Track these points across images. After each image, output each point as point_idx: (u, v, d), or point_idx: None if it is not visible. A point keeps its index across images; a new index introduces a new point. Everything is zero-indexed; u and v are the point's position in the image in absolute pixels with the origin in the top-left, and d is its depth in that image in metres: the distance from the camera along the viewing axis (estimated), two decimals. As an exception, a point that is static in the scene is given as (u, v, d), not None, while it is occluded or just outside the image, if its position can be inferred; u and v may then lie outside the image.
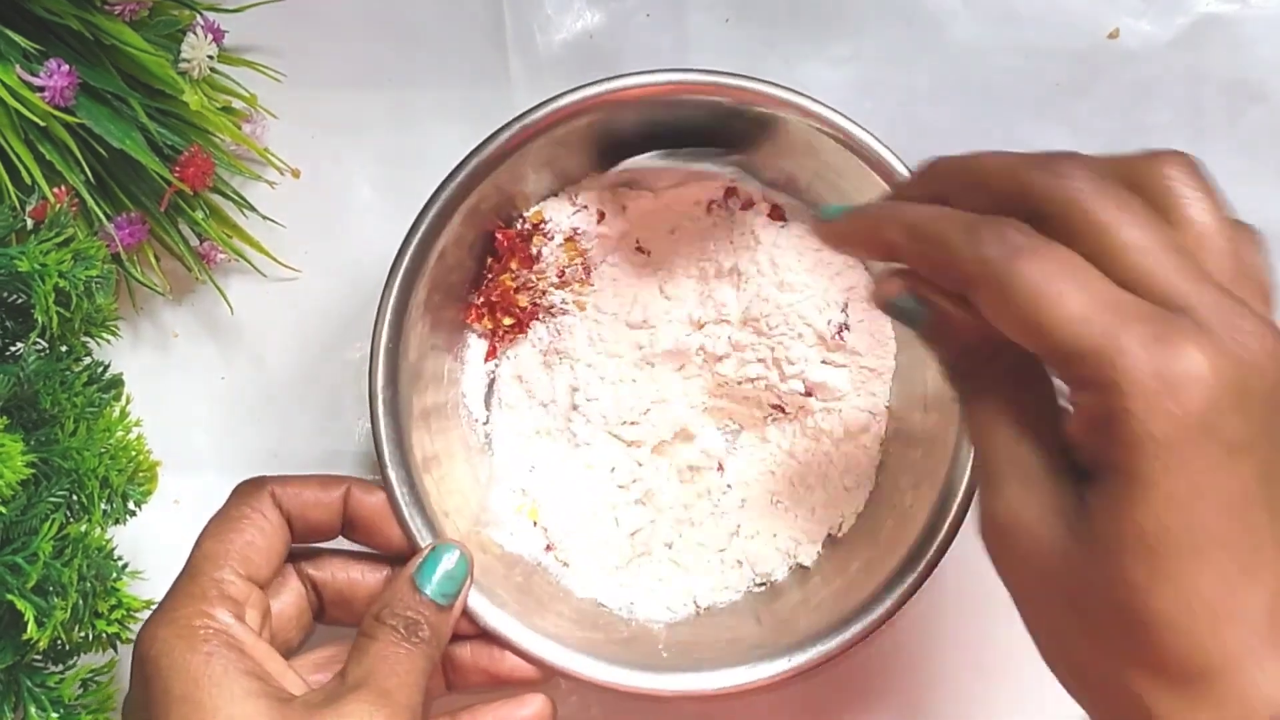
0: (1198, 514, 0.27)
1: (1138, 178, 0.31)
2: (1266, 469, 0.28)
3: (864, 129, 0.45)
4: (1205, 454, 0.27)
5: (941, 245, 0.31)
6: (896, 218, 0.33)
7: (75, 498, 0.41)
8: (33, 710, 0.41)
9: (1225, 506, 0.28)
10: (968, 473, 0.44)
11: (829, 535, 0.49)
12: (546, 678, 0.45)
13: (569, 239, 0.49)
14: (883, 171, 0.45)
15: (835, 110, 0.45)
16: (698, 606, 0.49)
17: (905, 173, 0.45)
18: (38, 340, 0.42)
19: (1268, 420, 0.28)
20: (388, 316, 0.45)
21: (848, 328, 0.49)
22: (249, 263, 0.52)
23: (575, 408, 0.49)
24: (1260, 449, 0.28)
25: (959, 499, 0.44)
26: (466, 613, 0.44)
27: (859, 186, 0.46)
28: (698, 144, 0.48)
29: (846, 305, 0.49)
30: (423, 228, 0.45)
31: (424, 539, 0.44)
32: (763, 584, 0.49)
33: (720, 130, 0.47)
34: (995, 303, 0.29)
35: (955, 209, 0.32)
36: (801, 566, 0.49)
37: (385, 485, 0.44)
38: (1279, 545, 0.28)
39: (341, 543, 0.45)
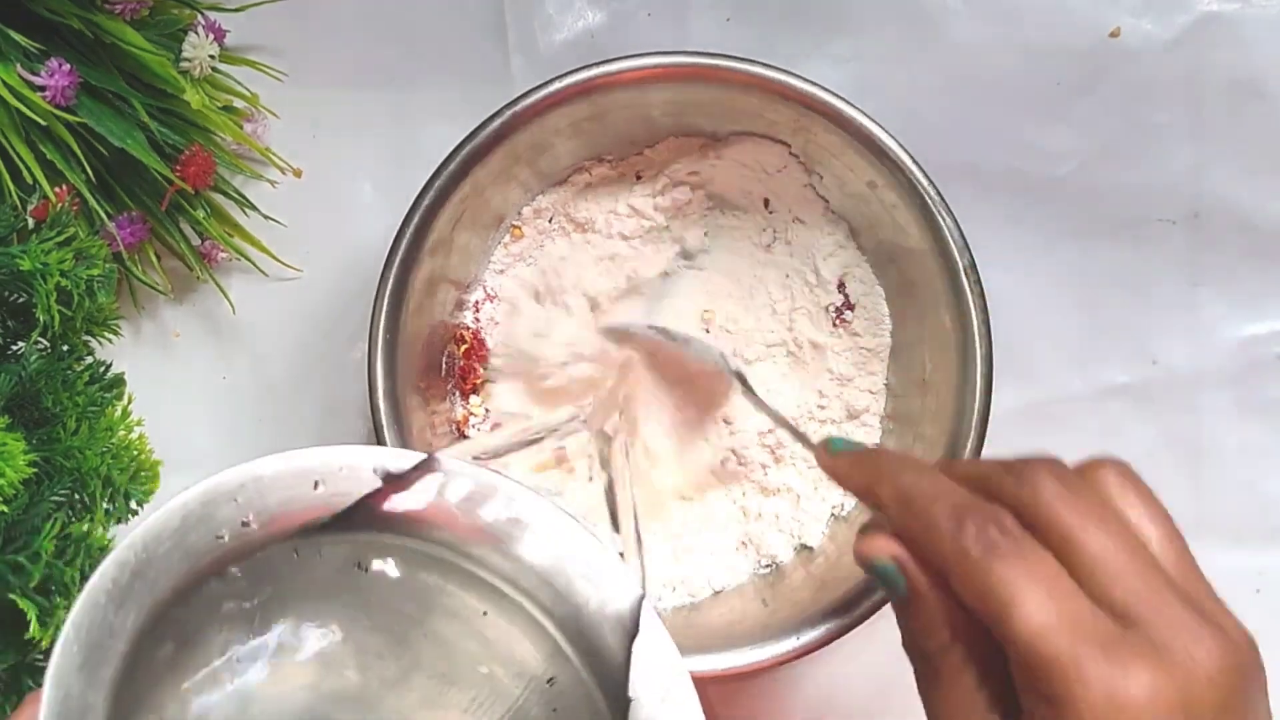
0: None
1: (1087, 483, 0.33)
2: None
3: (854, 105, 0.46)
4: None
5: (927, 525, 0.32)
6: (893, 479, 0.34)
7: (77, 497, 0.41)
8: (34, 709, 0.41)
9: None
10: (968, 449, 0.45)
11: (832, 514, 0.49)
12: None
13: None
14: (875, 150, 0.45)
15: (826, 89, 0.45)
16: (711, 588, 0.49)
17: (898, 150, 0.45)
18: (39, 339, 0.42)
19: None
20: (384, 308, 0.45)
21: (849, 307, 0.49)
22: (250, 262, 0.52)
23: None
24: None
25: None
26: None
27: (850, 165, 0.47)
28: (691, 134, 0.49)
29: (843, 283, 0.49)
30: (417, 216, 0.45)
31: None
32: (768, 565, 0.49)
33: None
34: (969, 595, 0.31)
35: (952, 484, 0.33)
36: (805, 547, 0.49)
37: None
38: None
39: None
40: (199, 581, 0.34)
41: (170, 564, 0.33)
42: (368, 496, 0.35)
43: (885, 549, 0.33)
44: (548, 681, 0.35)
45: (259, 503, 0.35)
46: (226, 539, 0.34)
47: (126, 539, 0.32)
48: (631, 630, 0.35)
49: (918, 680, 0.34)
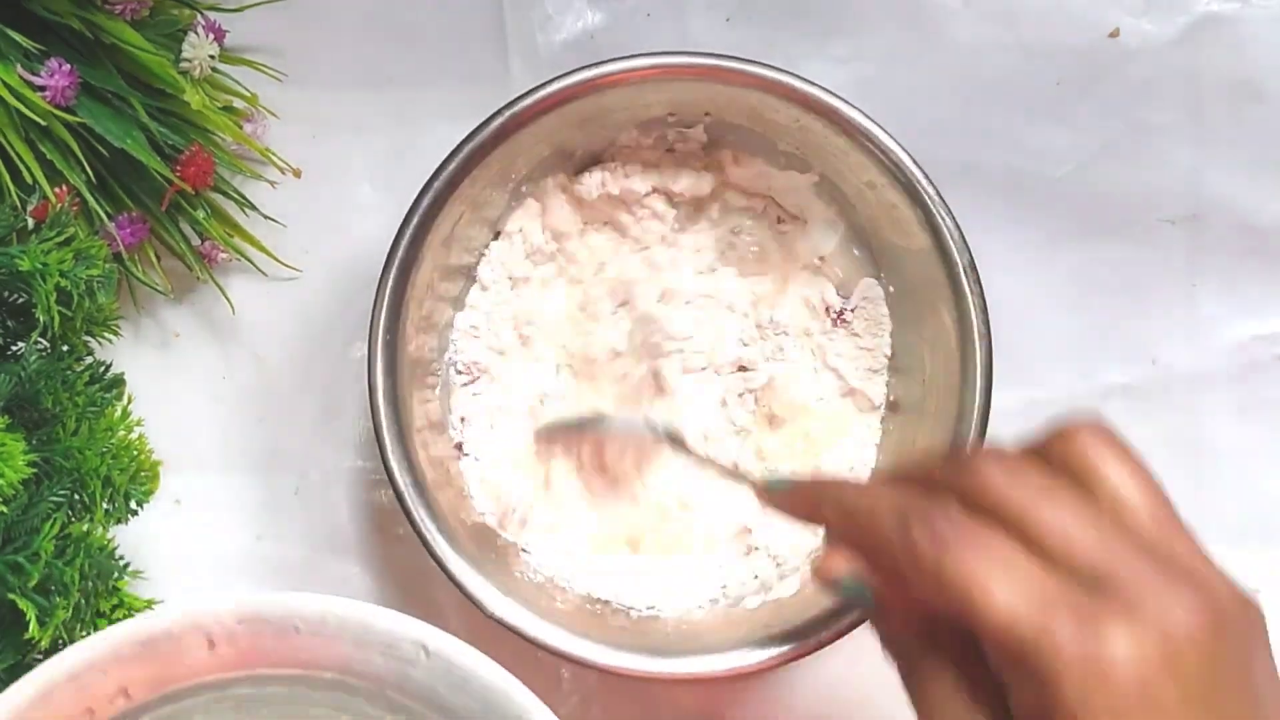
0: None
1: (1053, 452, 0.32)
2: (1207, 712, 0.29)
3: (853, 105, 0.46)
4: None
5: (873, 534, 0.32)
6: (833, 498, 0.34)
7: (77, 497, 0.41)
8: (34, 709, 0.41)
9: None
10: (968, 445, 0.45)
11: None
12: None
13: None
14: (875, 149, 0.46)
15: (825, 89, 0.45)
16: (725, 593, 0.49)
17: (898, 150, 0.45)
18: (39, 340, 0.42)
19: (1204, 684, 0.29)
20: (384, 307, 0.45)
21: (849, 307, 0.50)
22: (250, 262, 0.52)
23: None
24: (1198, 701, 0.28)
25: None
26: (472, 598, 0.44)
27: (850, 164, 0.47)
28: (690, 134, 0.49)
29: (842, 284, 0.50)
30: (417, 216, 0.45)
31: (430, 530, 0.44)
32: (780, 565, 0.49)
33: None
34: (929, 594, 0.30)
35: (891, 490, 0.33)
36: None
37: (389, 476, 0.44)
38: None
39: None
40: None
41: None
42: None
43: (842, 566, 0.33)
44: None
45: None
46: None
47: None
48: None
49: (902, 680, 0.33)
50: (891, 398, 0.50)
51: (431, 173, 0.45)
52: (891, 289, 0.50)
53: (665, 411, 0.50)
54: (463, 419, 0.50)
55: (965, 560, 0.30)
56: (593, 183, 0.49)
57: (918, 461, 0.35)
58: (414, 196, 0.45)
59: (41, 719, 0.33)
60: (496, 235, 0.50)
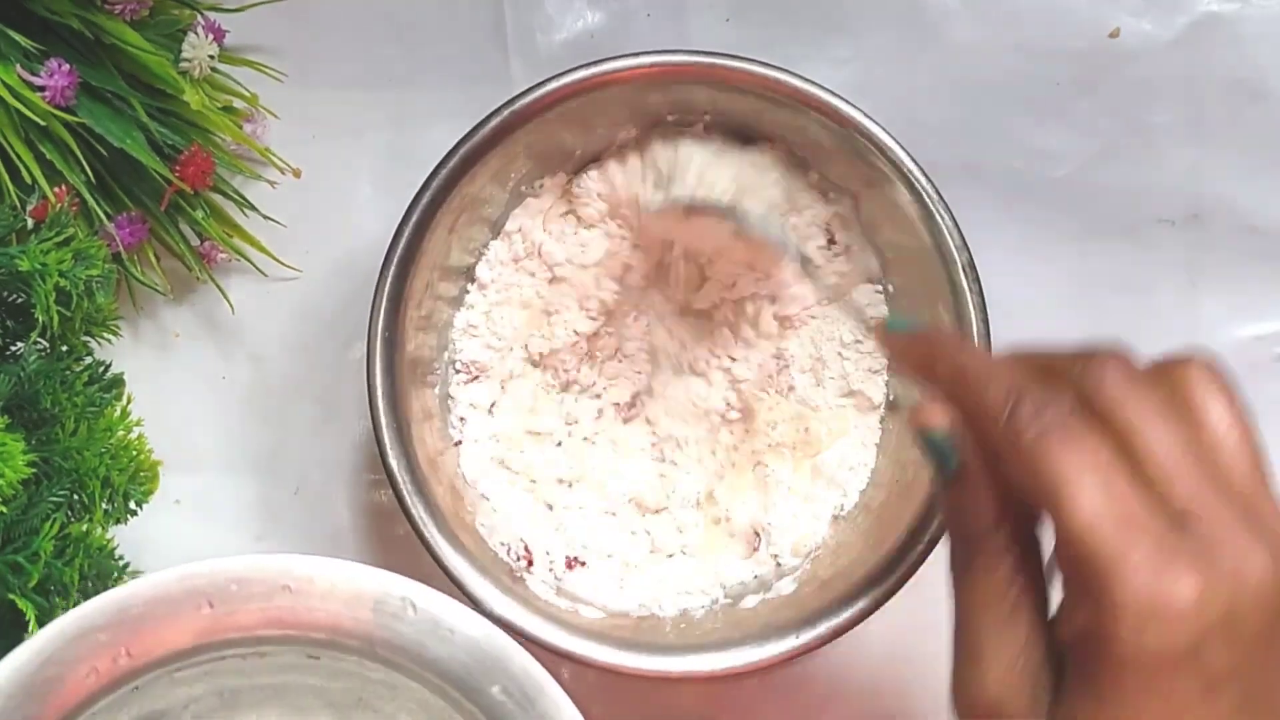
0: None
1: (1162, 378, 0.32)
2: (1246, 699, 0.29)
3: (853, 104, 0.46)
4: (1184, 686, 0.28)
5: (981, 404, 0.31)
6: (950, 359, 0.33)
7: (76, 497, 0.41)
8: (34, 710, 0.41)
9: None
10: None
11: (833, 515, 0.50)
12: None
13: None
14: (874, 149, 0.45)
15: (825, 88, 0.45)
16: (724, 592, 0.49)
17: (894, 145, 0.45)
18: (38, 340, 0.42)
19: (1256, 648, 0.28)
20: (383, 306, 0.45)
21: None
22: (250, 262, 0.52)
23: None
24: (1244, 679, 0.28)
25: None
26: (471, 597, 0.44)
27: (850, 164, 0.47)
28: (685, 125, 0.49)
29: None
30: (416, 215, 0.45)
31: (430, 530, 0.44)
32: (779, 564, 0.49)
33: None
34: (1019, 478, 0.30)
35: (1010, 365, 0.32)
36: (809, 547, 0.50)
37: (388, 476, 0.44)
38: None
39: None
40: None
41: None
42: None
43: (938, 419, 0.33)
44: None
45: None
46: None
47: None
48: None
49: (953, 562, 0.33)
50: (891, 397, 0.50)
51: (430, 171, 0.45)
52: (891, 288, 0.50)
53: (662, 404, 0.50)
54: (462, 419, 0.50)
55: (1065, 454, 0.29)
56: (591, 182, 0.49)
57: (1043, 348, 0.33)
58: (413, 196, 0.45)
59: (44, 679, 0.33)
60: (496, 235, 0.50)
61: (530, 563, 0.48)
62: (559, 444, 0.50)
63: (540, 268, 0.50)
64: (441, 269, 0.48)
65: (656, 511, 0.50)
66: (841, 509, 0.50)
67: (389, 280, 0.45)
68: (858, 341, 0.50)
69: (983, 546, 0.32)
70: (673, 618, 0.48)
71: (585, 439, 0.50)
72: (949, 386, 0.33)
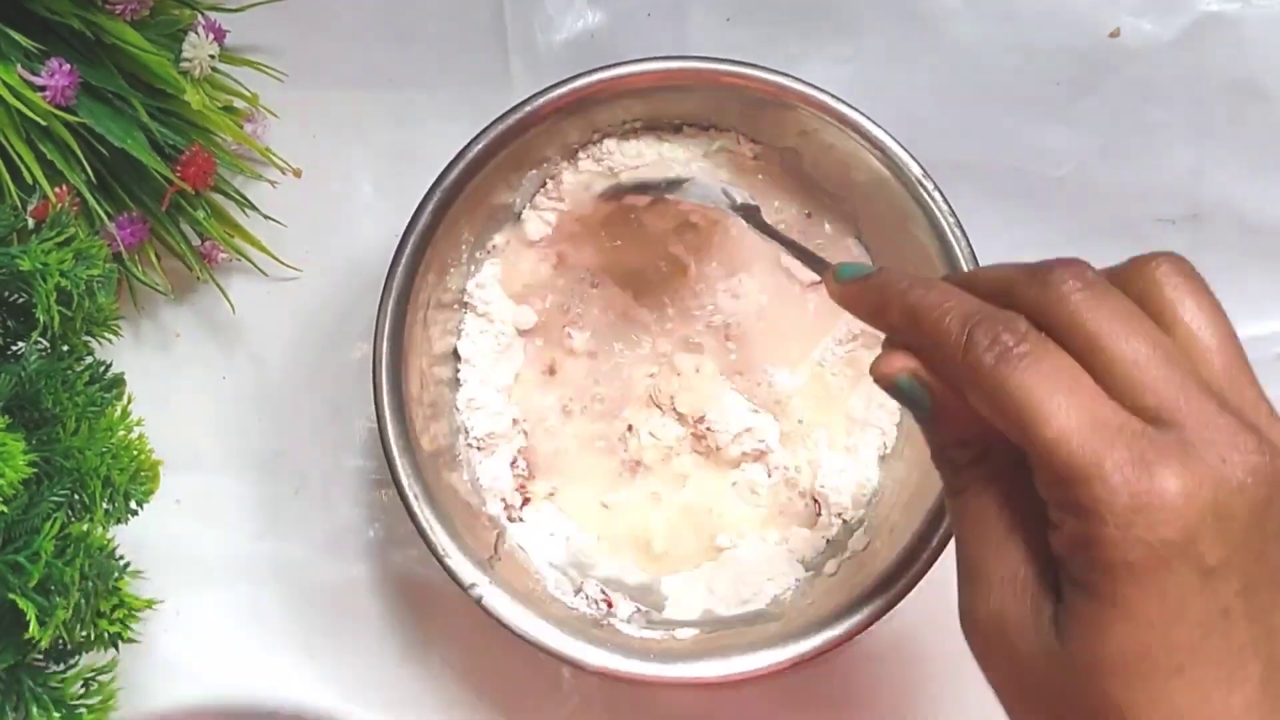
0: (1176, 635, 0.28)
1: (1131, 283, 0.31)
2: (1247, 583, 0.28)
3: (854, 107, 0.46)
4: (1181, 579, 0.28)
5: (937, 338, 0.31)
6: (901, 299, 0.33)
7: (77, 497, 0.41)
8: (34, 710, 0.41)
9: (1204, 625, 0.28)
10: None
11: (879, 456, 0.50)
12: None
13: None
14: (875, 150, 0.46)
15: (826, 91, 0.46)
16: (804, 566, 0.49)
17: (895, 146, 0.45)
18: (39, 339, 0.42)
19: (1249, 537, 0.28)
20: (390, 308, 0.45)
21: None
22: (250, 262, 0.52)
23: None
24: (1240, 566, 0.28)
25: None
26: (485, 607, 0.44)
27: (851, 164, 0.47)
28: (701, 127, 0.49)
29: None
30: (424, 216, 0.45)
31: (437, 534, 0.44)
32: (845, 520, 0.49)
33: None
34: (986, 405, 0.30)
35: (962, 295, 0.32)
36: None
37: (394, 478, 0.44)
38: (1260, 653, 0.29)
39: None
40: None
41: None
42: None
43: (901, 364, 0.32)
44: None
45: None
46: None
47: None
48: None
49: (946, 493, 0.33)
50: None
51: (438, 175, 0.45)
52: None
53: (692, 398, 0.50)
54: (468, 410, 0.50)
55: (1026, 375, 0.29)
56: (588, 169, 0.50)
57: (996, 269, 0.33)
58: (419, 197, 0.45)
59: None
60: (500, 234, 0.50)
61: (610, 605, 0.48)
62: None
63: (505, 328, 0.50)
64: (448, 270, 0.48)
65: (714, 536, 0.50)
66: (885, 448, 0.50)
67: (396, 280, 0.45)
68: None
69: (969, 477, 0.32)
70: (766, 608, 0.48)
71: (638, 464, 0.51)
72: (905, 328, 0.32)
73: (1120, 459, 0.28)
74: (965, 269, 0.45)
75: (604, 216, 0.50)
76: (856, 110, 0.46)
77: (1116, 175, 0.53)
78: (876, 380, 0.33)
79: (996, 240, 0.48)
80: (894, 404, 0.50)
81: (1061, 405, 0.28)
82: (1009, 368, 0.29)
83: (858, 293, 0.35)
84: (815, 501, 0.50)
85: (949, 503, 0.33)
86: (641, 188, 0.48)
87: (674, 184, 0.47)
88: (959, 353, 0.30)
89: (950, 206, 0.45)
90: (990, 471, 0.32)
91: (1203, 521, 0.27)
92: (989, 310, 0.30)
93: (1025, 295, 0.31)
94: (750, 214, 0.46)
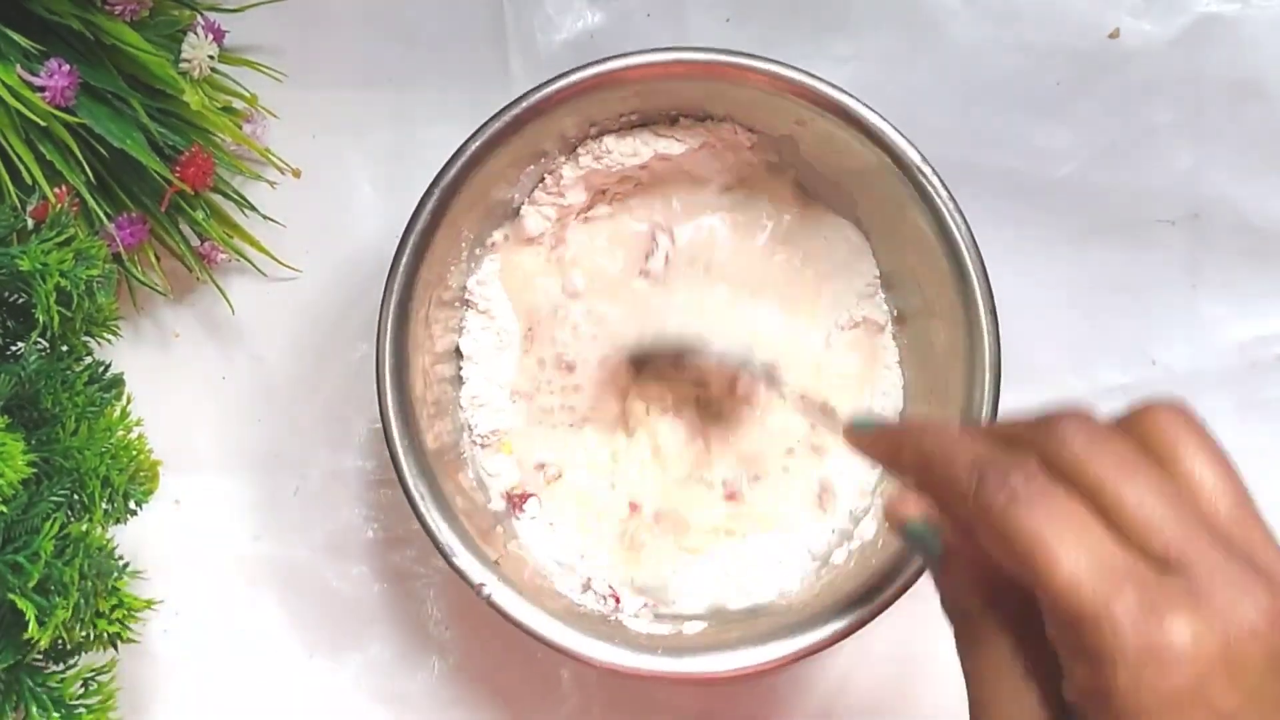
0: None
1: (1133, 429, 0.31)
2: None
3: (852, 95, 0.46)
4: None
5: (948, 483, 0.31)
6: (915, 444, 0.33)
7: (76, 497, 0.41)
8: (34, 709, 0.41)
9: None
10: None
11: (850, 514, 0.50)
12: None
13: None
14: (875, 138, 0.46)
15: (831, 84, 0.46)
16: (812, 556, 0.49)
17: (893, 133, 0.45)
18: (39, 340, 0.42)
19: (1264, 681, 0.28)
20: (391, 308, 0.45)
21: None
22: (250, 262, 0.52)
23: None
24: (1256, 711, 0.28)
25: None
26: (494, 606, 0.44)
27: (852, 165, 0.47)
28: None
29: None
30: (424, 215, 0.45)
31: (444, 534, 0.44)
32: (851, 511, 0.50)
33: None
34: (996, 547, 0.30)
35: (972, 440, 0.32)
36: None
37: (399, 477, 0.44)
38: None
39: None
40: None
41: None
42: None
43: (912, 509, 0.33)
44: None
45: None
46: None
47: None
48: None
49: (956, 641, 0.33)
50: (894, 312, 0.50)
51: (437, 172, 0.45)
52: (896, 288, 0.50)
53: None
54: (472, 407, 0.50)
55: (1035, 518, 0.29)
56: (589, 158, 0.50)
57: (1004, 419, 0.34)
58: (418, 196, 0.45)
59: None
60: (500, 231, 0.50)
61: (618, 601, 0.48)
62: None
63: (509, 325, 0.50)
64: (449, 266, 0.48)
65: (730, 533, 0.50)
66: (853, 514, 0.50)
67: (398, 279, 0.45)
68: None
69: (980, 625, 0.32)
70: (774, 600, 0.48)
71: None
72: (918, 473, 0.33)
73: (1130, 604, 0.28)
74: (964, 251, 0.45)
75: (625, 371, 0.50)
76: (853, 97, 0.46)
77: (1116, 175, 0.53)
78: (889, 522, 0.34)
79: (997, 240, 0.48)
80: (898, 391, 0.50)
81: (1070, 547, 0.29)
82: (1018, 508, 0.29)
83: (872, 441, 0.36)
84: (823, 491, 0.50)
85: (960, 652, 0.33)
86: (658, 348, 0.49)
87: (690, 346, 0.49)
88: (970, 494, 0.30)
89: (950, 192, 0.45)
90: (998, 624, 0.32)
91: (1214, 668, 0.27)
92: (999, 455, 0.31)
93: (1033, 443, 0.31)
94: (771, 375, 0.48)
